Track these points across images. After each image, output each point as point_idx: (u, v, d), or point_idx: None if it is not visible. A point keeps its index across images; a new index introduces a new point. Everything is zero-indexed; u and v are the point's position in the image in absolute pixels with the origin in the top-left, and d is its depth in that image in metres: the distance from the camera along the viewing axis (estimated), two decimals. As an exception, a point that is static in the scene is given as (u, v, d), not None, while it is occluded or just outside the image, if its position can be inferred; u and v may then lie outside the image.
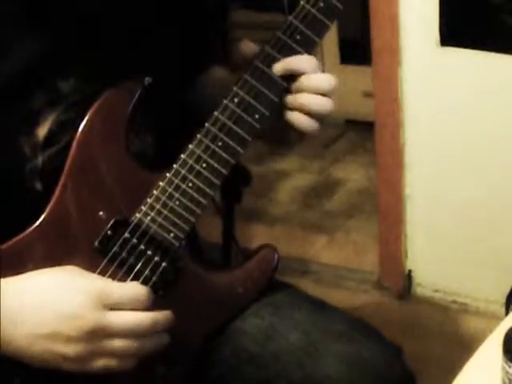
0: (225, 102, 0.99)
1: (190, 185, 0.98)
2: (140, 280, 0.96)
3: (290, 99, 1.00)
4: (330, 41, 3.10)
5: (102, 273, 0.95)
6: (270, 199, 2.83)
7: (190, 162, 0.98)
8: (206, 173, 0.98)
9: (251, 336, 1.03)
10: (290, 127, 1.03)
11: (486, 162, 1.98)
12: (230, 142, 0.99)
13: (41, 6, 0.96)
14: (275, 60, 0.99)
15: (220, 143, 0.98)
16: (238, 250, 1.21)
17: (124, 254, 0.96)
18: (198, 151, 0.98)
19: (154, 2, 1.05)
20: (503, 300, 1.42)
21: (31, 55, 0.95)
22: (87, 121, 0.96)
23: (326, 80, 1.00)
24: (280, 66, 0.99)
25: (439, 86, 1.97)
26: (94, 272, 0.94)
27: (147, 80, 0.98)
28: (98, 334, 0.88)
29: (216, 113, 0.99)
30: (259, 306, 1.05)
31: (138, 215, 0.97)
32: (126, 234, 0.96)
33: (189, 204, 0.98)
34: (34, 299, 0.89)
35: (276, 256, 1.05)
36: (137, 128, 1.02)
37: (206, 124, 0.99)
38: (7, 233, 0.94)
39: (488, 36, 1.84)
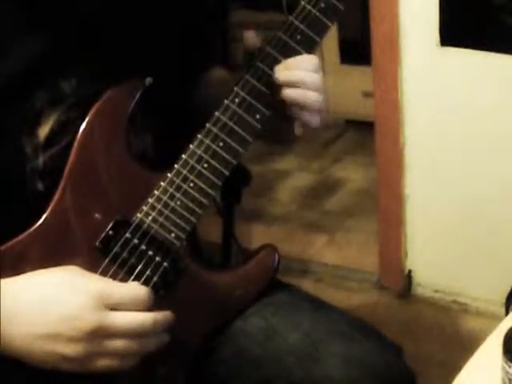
0: (226, 102, 0.99)
1: (192, 185, 0.98)
2: (141, 280, 0.96)
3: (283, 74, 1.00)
4: (330, 41, 3.10)
5: (103, 273, 0.95)
6: (270, 199, 2.83)
7: (191, 162, 0.98)
8: (207, 173, 0.98)
9: (251, 336, 1.03)
10: (289, 122, 1.02)
11: (485, 162, 1.98)
12: (231, 143, 0.99)
13: (41, 6, 0.96)
14: (276, 60, 0.99)
15: (221, 143, 0.98)
16: (239, 249, 1.21)
17: (125, 254, 0.96)
18: (199, 151, 0.98)
19: (154, 2, 1.06)
20: (503, 300, 1.42)
21: (31, 55, 0.95)
22: (88, 121, 0.96)
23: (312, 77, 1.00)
24: (281, 67, 0.99)
25: (439, 86, 1.97)
26: (95, 272, 0.94)
27: (148, 80, 0.98)
28: (98, 334, 0.88)
29: (217, 113, 0.99)
30: (259, 306, 1.05)
31: (139, 215, 0.97)
32: (127, 234, 0.96)
33: (190, 204, 0.98)
34: (34, 299, 0.88)
35: (276, 256, 1.05)
36: (137, 128, 1.02)
37: (207, 124, 0.99)
38: (8, 233, 0.94)
39: (488, 36, 1.84)
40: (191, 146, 0.98)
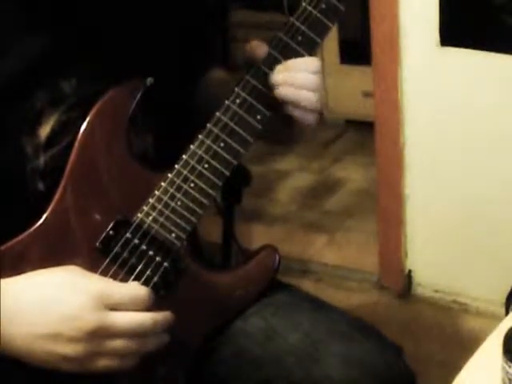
0: (226, 102, 0.99)
1: (192, 185, 0.98)
2: (141, 280, 0.96)
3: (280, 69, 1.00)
4: (330, 41, 3.10)
5: (104, 273, 0.95)
6: (270, 199, 2.83)
7: (192, 162, 0.98)
8: (207, 173, 0.98)
9: (252, 336, 1.03)
10: (289, 122, 1.02)
11: (485, 162, 1.98)
12: (232, 143, 0.99)
13: (41, 6, 0.96)
14: (277, 61, 0.99)
15: (222, 144, 0.98)
16: (239, 250, 1.21)
17: (125, 254, 0.96)
18: (200, 152, 0.98)
19: (154, 3, 1.06)
20: (503, 300, 1.42)
21: (31, 55, 0.95)
22: (89, 121, 0.96)
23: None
24: (281, 68, 0.99)
25: (439, 86, 1.97)
26: (95, 272, 0.94)
27: (149, 80, 0.98)
28: (98, 334, 0.88)
29: (218, 113, 0.99)
30: (260, 307, 1.05)
31: (139, 215, 0.97)
32: (128, 234, 0.96)
33: (190, 204, 0.98)
34: (35, 299, 0.88)
35: (277, 257, 1.05)
36: (138, 128, 1.02)
37: (208, 125, 0.99)
38: (8, 233, 0.94)
39: (488, 36, 1.84)
40: (192, 146, 0.99)
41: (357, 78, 3.08)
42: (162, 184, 0.98)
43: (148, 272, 0.97)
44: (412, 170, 2.09)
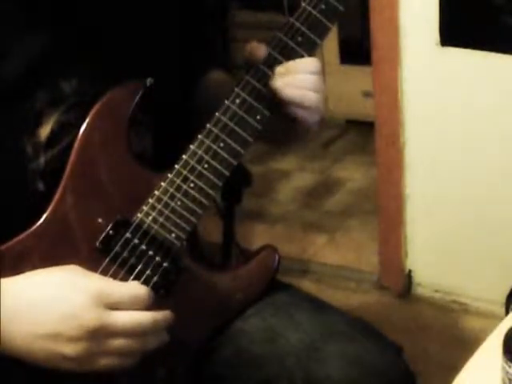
0: (226, 103, 0.99)
1: (192, 185, 0.98)
2: (141, 280, 0.96)
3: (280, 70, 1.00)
4: (330, 41, 3.10)
5: (104, 273, 0.95)
6: (270, 199, 2.83)
7: (192, 162, 0.98)
8: (207, 173, 0.98)
9: (252, 336, 1.03)
10: (289, 122, 1.02)
11: (485, 162, 1.98)
12: (232, 143, 0.99)
13: (41, 6, 0.96)
14: (276, 61, 0.99)
15: (222, 144, 0.98)
16: (239, 251, 1.21)
17: (125, 254, 0.96)
18: (200, 152, 0.98)
19: (154, 3, 1.06)
20: (503, 300, 1.42)
21: (31, 55, 0.95)
22: (89, 121, 0.96)
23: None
24: (282, 70, 0.99)
25: (439, 85, 1.97)
26: (95, 272, 0.94)
27: (149, 81, 0.98)
28: (98, 333, 0.88)
29: (217, 114, 0.99)
30: (260, 307, 1.05)
31: (139, 215, 0.97)
32: (128, 234, 0.96)
33: (190, 204, 0.98)
34: (35, 299, 0.88)
35: (277, 257, 1.05)
36: (137, 128, 1.02)
37: (208, 125, 0.99)
38: (8, 233, 0.94)
39: (488, 36, 1.84)
40: (192, 146, 0.99)
41: (357, 78, 3.08)
42: (162, 184, 0.98)
43: (148, 272, 0.97)
44: (412, 170, 2.09)
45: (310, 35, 1.00)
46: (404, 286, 2.23)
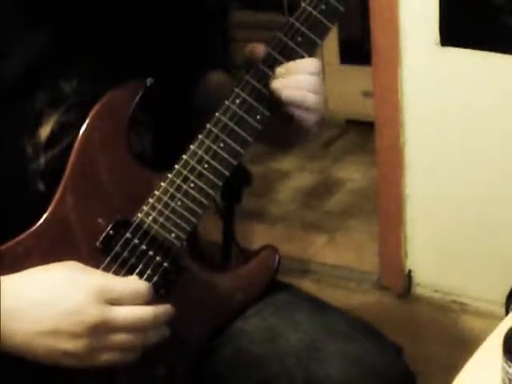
0: (226, 103, 0.99)
1: (192, 185, 0.98)
2: (142, 279, 0.96)
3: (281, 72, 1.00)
4: (330, 41, 3.10)
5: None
6: (270, 199, 2.83)
7: (192, 162, 0.98)
8: (207, 173, 0.98)
9: (252, 336, 1.03)
10: (289, 123, 1.02)
11: (485, 162, 1.98)
12: (232, 143, 0.99)
13: (41, 6, 0.96)
14: (276, 62, 0.99)
15: (222, 144, 0.98)
16: (239, 251, 1.21)
17: (126, 254, 0.96)
18: (200, 152, 0.98)
19: (154, 3, 1.06)
20: (503, 300, 1.42)
21: (31, 55, 0.95)
22: (89, 121, 0.96)
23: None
24: (282, 70, 0.99)
25: (439, 85, 1.97)
26: (95, 271, 0.94)
27: (149, 81, 0.98)
28: (99, 329, 0.88)
29: (217, 114, 0.99)
30: (260, 307, 1.05)
31: (139, 215, 0.97)
32: (128, 234, 0.96)
33: (190, 204, 0.98)
34: (35, 296, 0.88)
35: (277, 257, 1.05)
36: (137, 128, 1.02)
37: (208, 125, 0.99)
38: (8, 233, 0.94)
39: (488, 36, 1.84)
40: (192, 146, 0.99)
41: (357, 77, 3.08)
42: (162, 184, 0.98)
43: (148, 272, 0.97)
44: (412, 169, 2.09)
45: (310, 35, 1.00)
46: (404, 286, 2.23)
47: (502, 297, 1.41)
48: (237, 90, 0.99)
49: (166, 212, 0.97)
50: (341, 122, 3.29)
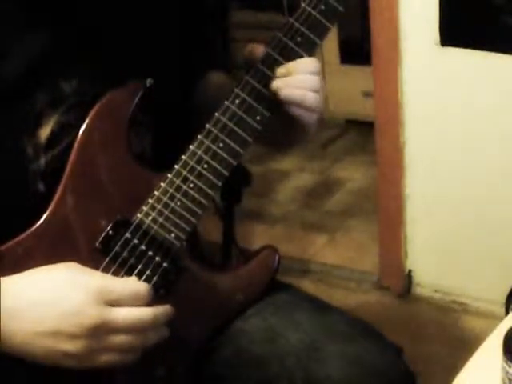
0: (226, 103, 0.99)
1: (192, 185, 0.98)
2: (141, 280, 0.96)
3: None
4: (330, 41, 3.10)
5: (104, 273, 0.95)
6: (270, 199, 2.83)
7: (191, 162, 0.98)
8: (207, 174, 0.98)
9: (252, 336, 1.03)
10: (289, 123, 1.02)
11: (485, 162, 1.98)
12: (232, 143, 0.99)
13: (41, 6, 0.96)
14: (276, 62, 0.99)
15: (221, 144, 0.98)
16: (239, 251, 1.21)
17: (125, 254, 0.96)
18: (200, 152, 0.98)
19: (154, 3, 1.06)
20: (503, 300, 1.42)
21: (31, 55, 0.95)
22: (89, 122, 0.96)
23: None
24: (282, 71, 0.99)
25: (439, 85, 1.97)
26: (95, 271, 0.94)
27: (149, 81, 0.98)
28: (99, 330, 0.88)
29: (217, 114, 0.99)
30: (260, 307, 1.05)
31: (139, 215, 0.97)
32: (127, 235, 0.96)
33: (190, 205, 0.98)
34: (35, 296, 0.88)
35: (277, 257, 1.05)
36: (137, 128, 1.02)
37: (208, 125, 0.99)
38: (8, 233, 0.94)
39: (488, 36, 1.84)
40: (191, 146, 0.99)
41: (357, 77, 3.08)
42: (162, 184, 0.98)
43: (148, 272, 0.97)
44: (412, 170, 2.09)
45: (309, 35, 1.00)
46: (404, 286, 2.23)
47: (502, 297, 1.41)
48: (236, 90, 0.99)
49: (166, 212, 0.97)
50: (341, 122, 3.29)
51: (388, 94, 2.04)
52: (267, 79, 0.99)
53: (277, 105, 1.00)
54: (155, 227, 0.97)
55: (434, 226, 2.14)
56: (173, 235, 0.97)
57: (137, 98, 0.98)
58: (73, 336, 0.87)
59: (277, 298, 1.07)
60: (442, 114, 1.99)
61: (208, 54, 1.19)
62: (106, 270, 0.95)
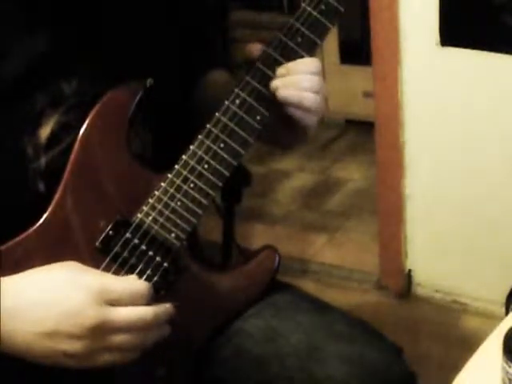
0: (226, 103, 0.99)
1: (192, 185, 0.98)
2: (141, 280, 0.96)
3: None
4: (330, 41, 3.10)
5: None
6: (270, 199, 2.83)
7: (192, 162, 0.98)
8: (207, 174, 0.98)
9: (252, 337, 1.03)
10: (289, 123, 1.02)
11: (485, 162, 1.98)
12: (232, 143, 0.99)
13: (41, 6, 0.96)
14: (276, 62, 1.00)
15: (222, 144, 0.98)
16: (239, 251, 1.21)
17: (125, 254, 0.96)
18: (200, 152, 0.98)
19: (154, 3, 1.06)
20: (503, 300, 1.42)
21: (32, 55, 0.95)
22: (89, 122, 0.97)
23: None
24: (282, 71, 0.99)
25: (439, 86, 1.97)
26: (95, 272, 0.94)
27: (149, 81, 0.98)
28: (99, 329, 0.88)
29: (217, 114, 0.99)
30: (260, 307, 1.05)
31: (139, 215, 0.97)
32: (128, 234, 0.96)
33: (190, 205, 0.98)
34: (35, 296, 0.88)
35: (277, 257, 1.05)
36: (137, 128, 1.02)
37: (208, 125, 0.99)
38: (9, 233, 0.94)
39: (488, 36, 1.84)
40: (192, 146, 0.99)
41: (357, 77, 3.08)
42: (162, 184, 0.98)
43: (148, 272, 0.97)
44: (412, 170, 2.09)
45: (309, 36, 1.00)
46: (404, 286, 2.23)
47: (502, 297, 1.42)
48: (237, 90, 0.99)
49: (166, 212, 0.97)
50: (340, 122, 3.29)
51: (388, 94, 2.04)
52: (267, 79, 0.99)
53: (277, 105, 1.00)
54: (155, 227, 0.97)
55: (434, 226, 2.14)
56: (173, 235, 0.98)
57: (137, 98, 0.98)
58: (73, 336, 0.87)
59: (277, 298, 1.07)
60: (442, 113, 1.99)
61: (208, 54, 1.19)
62: (106, 270, 0.95)
